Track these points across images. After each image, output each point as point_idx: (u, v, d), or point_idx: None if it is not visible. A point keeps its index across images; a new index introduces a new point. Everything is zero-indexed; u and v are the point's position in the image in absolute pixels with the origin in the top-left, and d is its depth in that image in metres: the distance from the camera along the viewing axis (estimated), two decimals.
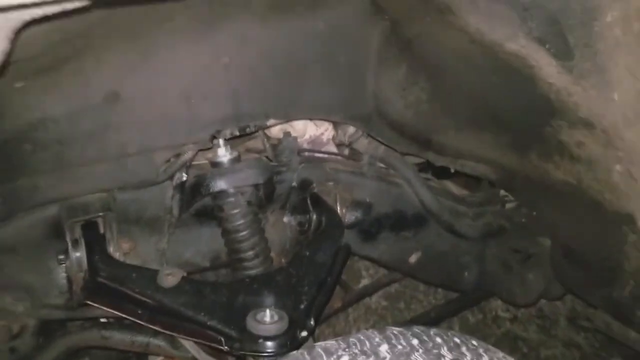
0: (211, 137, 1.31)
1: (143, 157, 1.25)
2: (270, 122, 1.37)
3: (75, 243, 1.28)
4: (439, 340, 1.00)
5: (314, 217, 1.57)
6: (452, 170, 1.83)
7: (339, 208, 1.65)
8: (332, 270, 1.38)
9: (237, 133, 1.33)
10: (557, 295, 1.78)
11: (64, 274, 1.31)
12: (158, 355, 1.39)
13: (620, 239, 1.15)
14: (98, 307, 1.24)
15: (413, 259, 1.78)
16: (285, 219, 1.61)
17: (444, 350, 0.96)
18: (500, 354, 1.06)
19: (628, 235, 1.14)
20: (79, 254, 1.27)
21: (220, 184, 1.36)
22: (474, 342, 1.07)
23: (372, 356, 0.92)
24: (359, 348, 0.94)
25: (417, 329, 1.04)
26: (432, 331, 1.04)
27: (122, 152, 1.23)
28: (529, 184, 1.52)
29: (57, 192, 1.24)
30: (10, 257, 1.29)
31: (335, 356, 0.92)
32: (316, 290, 1.27)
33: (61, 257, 1.28)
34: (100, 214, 1.30)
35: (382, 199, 1.70)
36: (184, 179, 1.39)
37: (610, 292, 1.34)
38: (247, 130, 1.34)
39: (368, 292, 2.15)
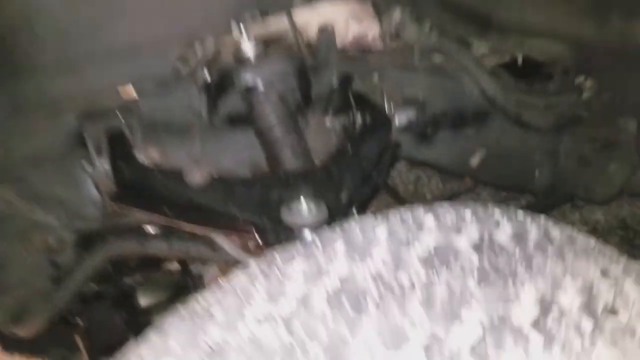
0: (229, 23, 1.17)
1: (154, 48, 1.14)
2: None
3: (99, 150, 1.21)
4: (497, 212, 0.83)
5: (358, 116, 1.42)
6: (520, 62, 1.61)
7: (387, 106, 1.49)
8: (378, 167, 1.22)
9: (259, 16, 1.18)
10: None
11: (92, 184, 1.26)
12: (199, 260, 1.33)
13: None
14: (129, 213, 1.19)
15: (476, 160, 1.59)
16: (328, 123, 1.47)
17: (504, 222, 0.79)
18: (573, 230, 0.87)
19: None
20: (103, 161, 1.21)
21: (248, 79, 1.23)
22: (542, 219, 0.89)
23: (415, 228, 0.77)
24: (399, 221, 0.80)
25: (471, 204, 0.88)
26: (490, 205, 0.87)
27: (129, 44, 1.12)
28: (611, 56, 1.30)
29: (64, 91, 1.16)
30: (35, 170, 1.25)
31: (371, 229, 0.78)
32: (359, 183, 1.13)
33: (86, 165, 1.23)
34: (123, 121, 1.22)
35: (437, 94, 1.50)
36: (208, 79, 1.28)
37: None
38: (270, 12, 1.19)
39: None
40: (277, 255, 0.76)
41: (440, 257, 0.69)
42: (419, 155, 1.58)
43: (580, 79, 1.56)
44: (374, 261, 0.69)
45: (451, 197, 2.13)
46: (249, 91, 1.25)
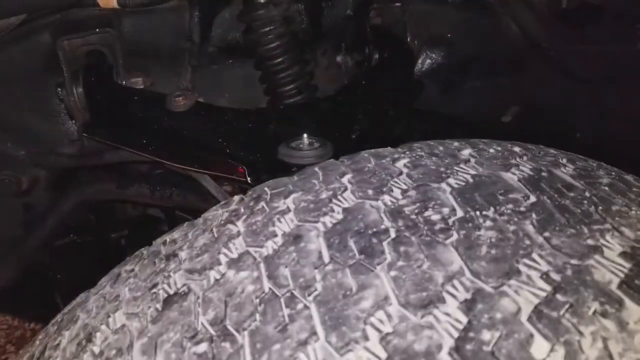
0: None
1: None
2: None
3: (75, 75, 1.04)
4: (553, 151, 0.65)
5: (376, 52, 1.22)
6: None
7: (410, 44, 1.29)
8: (397, 102, 1.03)
9: None
10: None
11: (70, 118, 1.09)
12: (183, 208, 1.16)
13: None
14: (106, 151, 1.02)
15: (507, 116, 1.39)
16: (339, 59, 1.27)
17: (564, 160, 0.60)
18: (597, 166, 0.69)
19: None
20: (78, 87, 1.03)
21: None
22: (606, 165, 0.70)
23: (448, 158, 0.58)
24: (426, 151, 0.61)
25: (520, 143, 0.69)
26: (543, 146, 0.69)
27: None
28: None
29: None
30: (5, 92, 1.08)
31: (388, 159, 0.59)
32: (374, 121, 0.94)
33: (59, 90, 1.05)
34: (98, 31, 1.03)
35: (469, 34, 1.29)
36: None
37: None
38: None
39: None
40: (267, 189, 0.59)
41: (483, 193, 0.50)
42: (442, 106, 1.38)
43: (637, 26, 1.34)
44: (393, 195, 0.51)
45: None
46: (248, 4, 1.06)
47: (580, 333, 0.36)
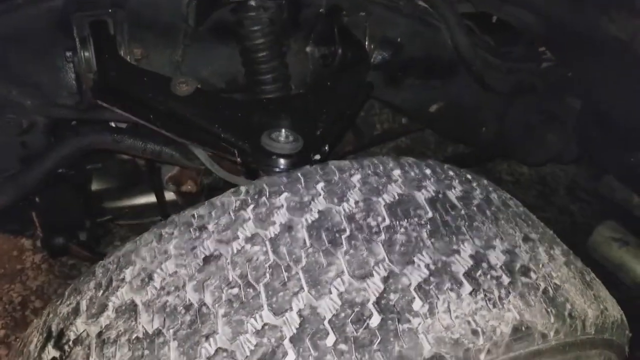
0: None
1: None
2: None
3: (84, 41, 1.22)
4: (451, 173, 0.98)
5: (340, 50, 1.48)
6: (494, 20, 1.70)
7: (367, 44, 1.55)
8: (352, 104, 1.32)
9: None
10: (568, 159, 1.76)
11: (73, 74, 1.27)
12: (169, 164, 1.41)
13: None
14: (109, 109, 1.22)
15: (434, 107, 1.73)
16: (308, 49, 1.52)
17: (455, 183, 0.95)
18: (508, 195, 1.05)
19: None
20: (87, 52, 1.22)
21: None
22: (485, 181, 1.05)
23: (384, 178, 0.90)
24: (371, 169, 0.92)
25: (431, 161, 1.02)
26: (446, 166, 1.02)
27: None
28: (575, 39, 1.43)
29: None
30: (15, 48, 1.24)
31: (347, 174, 0.90)
32: (334, 120, 1.23)
33: (69, 54, 1.23)
34: (110, 10, 1.21)
35: (415, 40, 1.59)
36: None
37: (630, 156, 1.32)
38: None
39: (380, 140, 2.13)
40: (265, 185, 0.87)
41: (402, 208, 0.83)
42: (384, 96, 1.69)
43: (542, 49, 1.69)
44: (349, 204, 0.83)
45: (398, 133, 2.27)
46: (241, 6, 1.28)
47: (438, 298, 0.71)
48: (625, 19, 1.17)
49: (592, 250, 1.76)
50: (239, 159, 1.09)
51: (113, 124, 1.38)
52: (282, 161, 1.08)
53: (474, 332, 0.70)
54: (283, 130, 1.11)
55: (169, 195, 1.70)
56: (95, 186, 1.82)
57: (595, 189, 2.11)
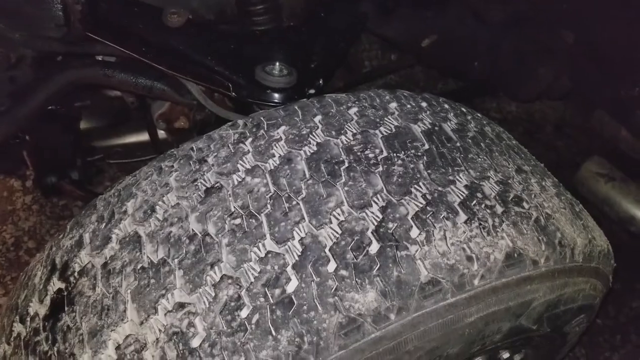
0: None
1: None
2: None
3: None
4: (446, 106, 0.99)
5: None
6: None
7: None
8: (345, 37, 1.30)
9: None
10: (559, 94, 1.75)
11: (59, 5, 1.22)
12: (161, 99, 1.39)
13: None
14: (98, 42, 1.18)
15: (426, 42, 1.70)
16: None
17: (451, 115, 0.95)
18: (501, 129, 1.07)
19: None
20: None
21: None
22: (479, 115, 1.06)
23: (381, 110, 0.90)
24: (368, 102, 0.92)
25: (427, 94, 1.02)
26: (441, 99, 1.02)
27: None
28: None
29: None
30: None
31: (344, 106, 0.90)
32: (328, 53, 1.21)
33: None
34: None
35: None
36: None
37: (619, 89, 1.34)
38: None
39: (369, 77, 2.11)
40: (262, 118, 0.87)
41: (399, 140, 0.84)
42: (376, 28, 1.65)
43: None
44: (347, 136, 0.83)
45: (388, 70, 2.25)
46: None
47: (434, 227, 0.73)
48: None
49: (579, 185, 1.80)
50: (233, 93, 1.07)
51: (100, 58, 1.34)
52: (276, 95, 1.08)
53: (469, 258, 0.73)
54: (277, 64, 1.09)
55: (160, 134, 1.69)
56: (84, 124, 1.81)
57: (583, 125, 2.14)
